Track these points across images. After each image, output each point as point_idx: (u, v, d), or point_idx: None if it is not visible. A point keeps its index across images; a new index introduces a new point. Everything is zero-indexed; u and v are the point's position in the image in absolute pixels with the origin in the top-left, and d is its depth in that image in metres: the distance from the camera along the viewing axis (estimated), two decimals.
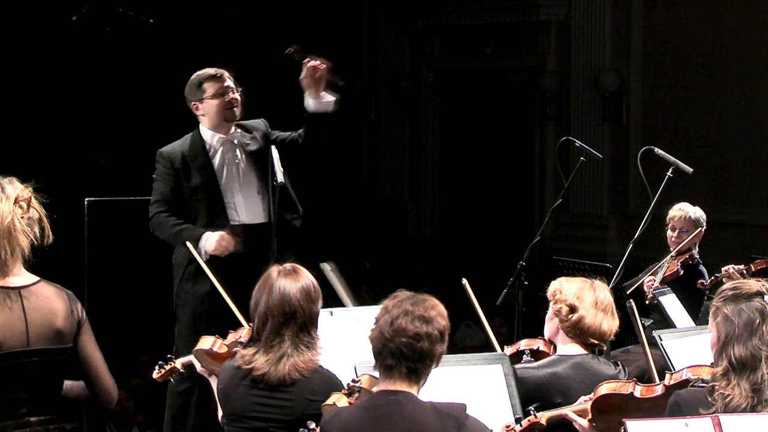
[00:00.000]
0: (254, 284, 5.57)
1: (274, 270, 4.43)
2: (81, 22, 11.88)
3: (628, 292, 6.64)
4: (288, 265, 4.46)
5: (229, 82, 6.35)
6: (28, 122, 13.53)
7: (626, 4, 12.38)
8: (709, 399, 3.88)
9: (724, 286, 4.06)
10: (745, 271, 7.08)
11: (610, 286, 6.45)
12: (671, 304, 6.70)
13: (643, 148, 6.83)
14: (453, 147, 14.38)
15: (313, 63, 6.28)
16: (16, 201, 3.93)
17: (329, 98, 6.40)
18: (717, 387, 3.90)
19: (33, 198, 3.99)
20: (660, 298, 6.72)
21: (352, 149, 15.27)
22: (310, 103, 6.33)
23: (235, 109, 6.33)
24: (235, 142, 6.33)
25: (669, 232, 7.21)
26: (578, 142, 7.36)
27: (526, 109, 13.57)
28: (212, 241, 6.01)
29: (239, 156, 6.32)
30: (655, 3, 12.21)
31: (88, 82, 13.61)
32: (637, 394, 4.23)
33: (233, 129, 6.37)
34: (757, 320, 3.92)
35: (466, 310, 10.87)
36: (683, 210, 7.24)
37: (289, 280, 4.37)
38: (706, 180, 11.15)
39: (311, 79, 6.31)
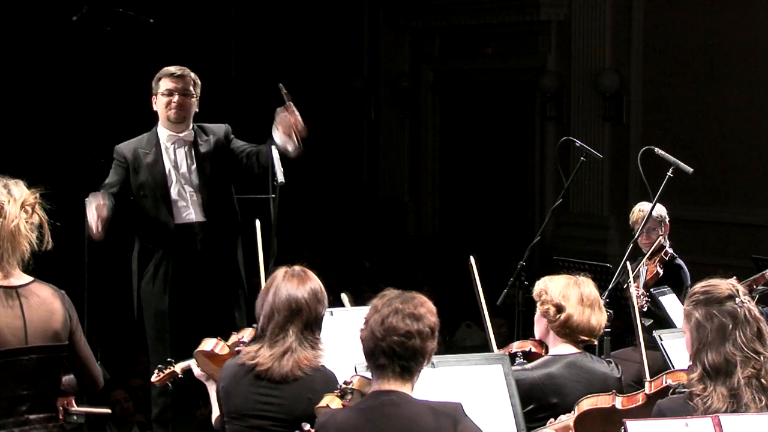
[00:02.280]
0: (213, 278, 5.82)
1: (281, 272, 4.44)
2: (81, 22, 11.88)
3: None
4: (296, 268, 4.47)
5: (182, 84, 6.35)
6: (28, 122, 13.54)
7: (626, 4, 12.37)
8: (691, 404, 3.84)
9: (695, 288, 4.00)
10: (750, 284, 7.05)
11: (610, 286, 6.46)
12: (671, 304, 6.70)
13: (643, 148, 6.82)
14: (453, 147, 14.37)
15: (295, 118, 6.12)
16: (22, 205, 3.97)
17: (293, 145, 6.19)
18: (694, 392, 3.85)
19: (38, 204, 4.03)
20: (660, 298, 6.72)
21: (352, 149, 15.27)
22: (277, 139, 6.19)
23: (173, 111, 6.34)
24: (188, 140, 6.39)
25: (638, 237, 7.15)
26: (578, 142, 7.36)
27: (526, 109, 13.57)
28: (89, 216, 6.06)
29: (189, 156, 6.38)
30: (655, 3, 12.21)
31: (88, 82, 13.61)
32: (618, 405, 4.23)
33: (188, 129, 6.41)
34: (730, 325, 3.85)
35: (467, 310, 10.89)
36: (643, 210, 7.23)
37: (297, 281, 4.38)
38: (706, 180, 11.15)
39: (287, 128, 6.14)
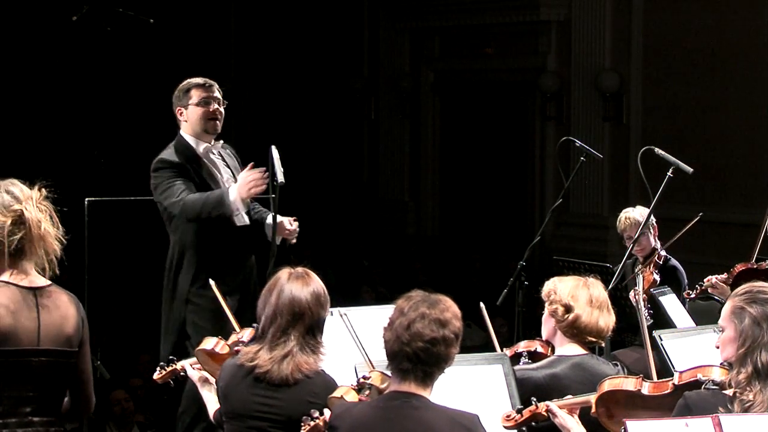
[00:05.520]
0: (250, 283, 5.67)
1: (284, 273, 4.42)
2: (81, 22, 11.89)
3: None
4: (299, 269, 4.45)
5: (217, 94, 6.36)
6: (28, 122, 13.54)
7: (626, 4, 12.37)
8: (729, 407, 3.77)
9: (744, 287, 3.93)
10: (726, 279, 7.04)
11: (610, 286, 6.45)
12: (671, 304, 6.69)
13: (643, 148, 6.80)
14: (453, 147, 14.37)
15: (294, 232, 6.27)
16: (37, 206, 3.96)
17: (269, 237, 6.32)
18: (738, 394, 3.78)
19: (44, 197, 4.01)
20: (660, 298, 6.72)
21: (352, 149, 15.27)
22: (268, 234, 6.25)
23: (216, 121, 6.32)
24: (215, 152, 6.38)
25: (627, 243, 7.08)
26: (578, 142, 7.36)
27: (526, 109, 13.56)
28: (241, 187, 5.99)
29: (222, 164, 6.37)
30: (655, 3, 12.21)
31: (88, 82, 13.61)
32: (645, 391, 4.18)
33: (214, 140, 6.39)
34: None
35: (467, 309, 10.88)
36: (630, 218, 7.19)
37: (300, 284, 4.36)
38: (706, 180, 11.15)
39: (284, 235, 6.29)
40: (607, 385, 4.25)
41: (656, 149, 6.73)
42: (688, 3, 11.91)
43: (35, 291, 3.98)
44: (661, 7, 12.13)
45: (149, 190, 6.36)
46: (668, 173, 6.57)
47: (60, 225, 4.02)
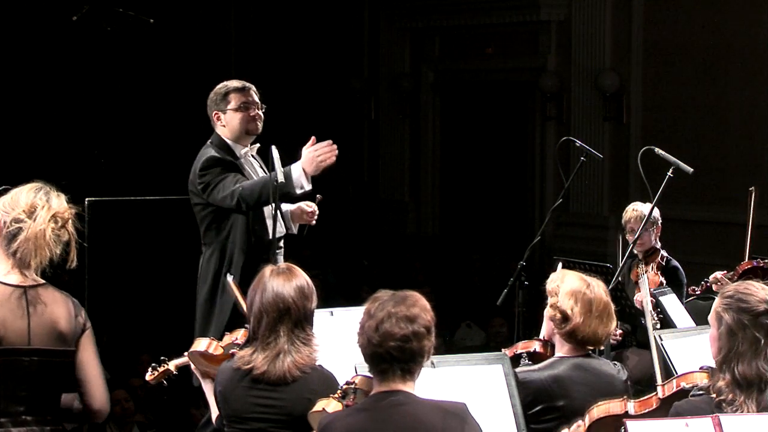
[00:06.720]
0: None
1: (267, 269, 4.43)
2: (81, 22, 11.89)
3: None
4: (282, 264, 4.47)
5: (255, 98, 6.31)
6: (28, 122, 13.54)
7: (626, 4, 12.38)
8: (716, 409, 3.73)
9: (729, 289, 3.89)
10: (731, 276, 7.05)
11: (610, 286, 6.45)
12: (671, 304, 6.69)
13: (643, 148, 6.81)
14: (453, 147, 14.38)
15: (314, 213, 6.47)
16: (54, 215, 3.96)
17: (294, 230, 6.50)
18: (725, 399, 3.75)
19: (71, 220, 4.02)
20: (660, 298, 6.71)
21: (352, 149, 15.27)
22: (284, 225, 6.34)
23: (258, 122, 6.28)
24: (254, 155, 6.35)
25: (629, 236, 7.07)
26: (578, 142, 7.35)
27: (526, 109, 13.57)
28: (307, 162, 5.98)
29: (259, 168, 6.33)
30: (655, 3, 12.21)
31: (88, 82, 13.61)
32: (631, 411, 4.16)
33: (250, 144, 6.34)
34: (762, 341, 3.74)
35: (467, 310, 10.88)
36: (637, 210, 7.19)
37: (282, 279, 4.36)
38: (706, 180, 11.15)
39: (303, 220, 6.46)
40: (596, 413, 4.23)
41: (656, 149, 6.73)
42: (688, 3, 11.92)
43: (25, 289, 3.97)
44: (661, 7, 12.14)
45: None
46: (668, 173, 6.57)
47: (75, 256, 4.02)
